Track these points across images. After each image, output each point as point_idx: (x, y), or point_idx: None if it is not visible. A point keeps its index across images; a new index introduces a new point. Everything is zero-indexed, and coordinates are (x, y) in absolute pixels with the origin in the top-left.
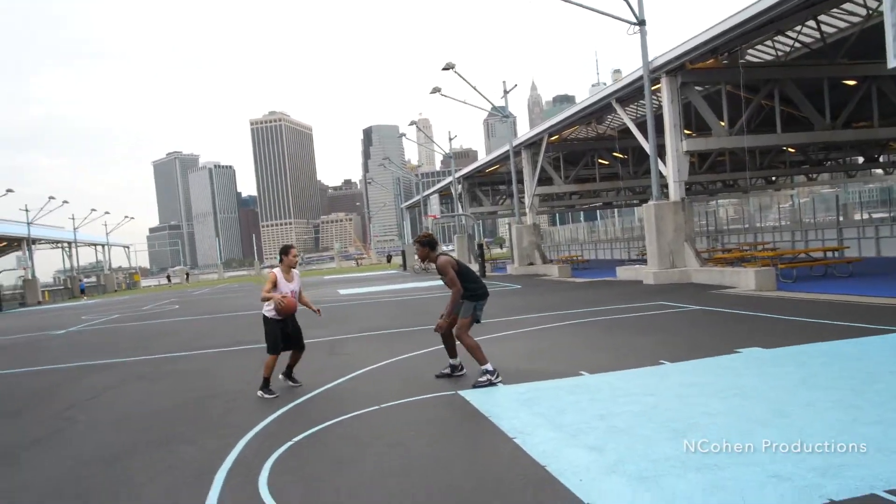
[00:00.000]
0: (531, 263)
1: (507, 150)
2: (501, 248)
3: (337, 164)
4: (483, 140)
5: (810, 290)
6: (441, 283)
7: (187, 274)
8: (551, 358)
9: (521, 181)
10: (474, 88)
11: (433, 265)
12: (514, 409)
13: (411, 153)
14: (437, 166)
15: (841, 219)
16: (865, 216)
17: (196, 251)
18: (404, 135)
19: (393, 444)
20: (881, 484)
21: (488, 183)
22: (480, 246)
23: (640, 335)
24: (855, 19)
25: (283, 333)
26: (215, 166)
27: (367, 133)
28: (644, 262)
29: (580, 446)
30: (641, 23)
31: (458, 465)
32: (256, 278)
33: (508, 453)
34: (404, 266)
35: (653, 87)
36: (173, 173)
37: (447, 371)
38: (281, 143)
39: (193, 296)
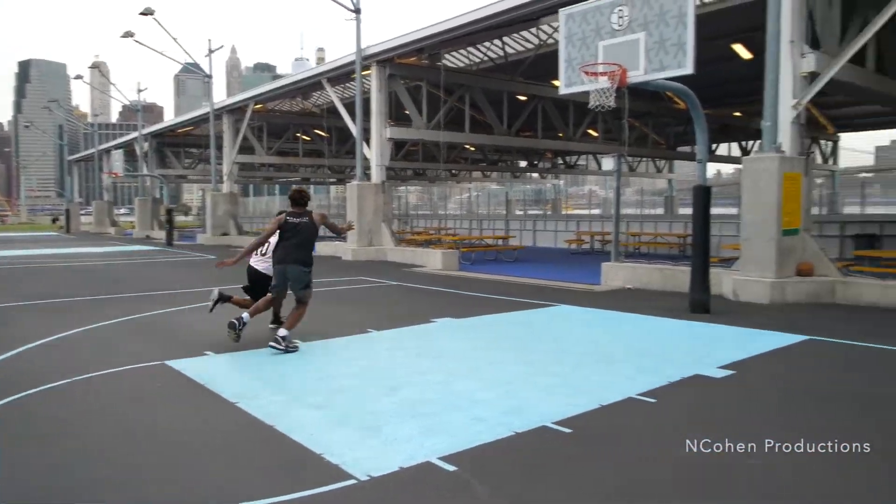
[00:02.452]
0: (225, 234)
1: (206, 113)
2: (186, 215)
3: None
4: (171, 97)
5: (486, 272)
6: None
7: None
8: (262, 328)
9: (219, 146)
10: (175, 40)
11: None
12: (231, 375)
13: (80, 99)
14: (113, 118)
15: (507, 212)
16: (526, 211)
17: None
18: (80, 77)
19: (98, 415)
20: (550, 418)
21: (179, 144)
22: (169, 211)
23: (345, 307)
24: (530, 45)
25: None
26: None
27: (24, 66)
28: (342, 239)
29: (306, 406)
30: (357, 11)
31: (180, 431)
32: None
33: (232, 416)
34: (67, 228)
35: (363, 73)
36: None
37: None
38: None
39: None
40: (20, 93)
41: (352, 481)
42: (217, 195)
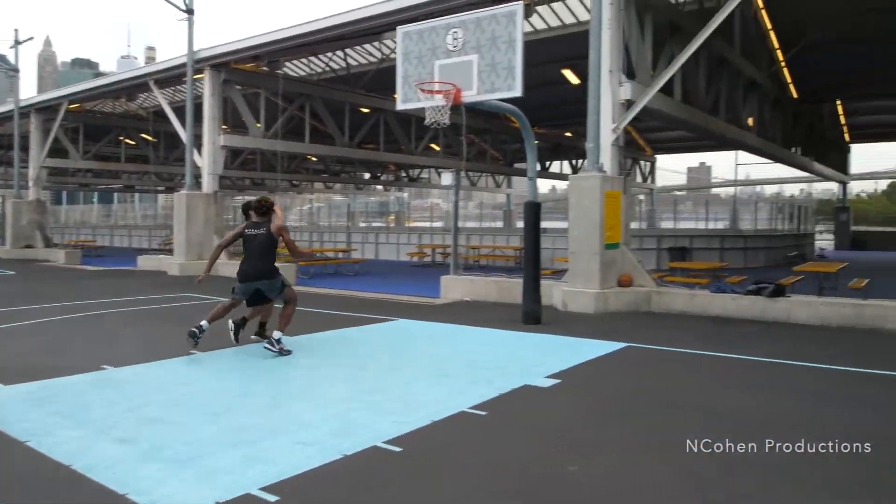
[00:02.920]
0: (29, 246)
1: (11, 110)
2: None
3: None
4: None
5: (325, 286)
6: None
7: None
8: (65, 353)
9: (25, 148)
10: None
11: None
12: (23, 410)
13: None
14: None
15: (350, 224)
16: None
17: None
18: None
19: None
20: (381, 437)
21: None
22: None
23: (169, 325)
24: (373, 59)
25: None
26: None
27: None
28: (169, 252)
29: (110, 440)
30: (190, 11)
31: None
32: None
33: (23, 458)
34: None
35: (195, 77)
36: None
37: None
38: None
39: None
40: None
41: None
42: (20, 203)
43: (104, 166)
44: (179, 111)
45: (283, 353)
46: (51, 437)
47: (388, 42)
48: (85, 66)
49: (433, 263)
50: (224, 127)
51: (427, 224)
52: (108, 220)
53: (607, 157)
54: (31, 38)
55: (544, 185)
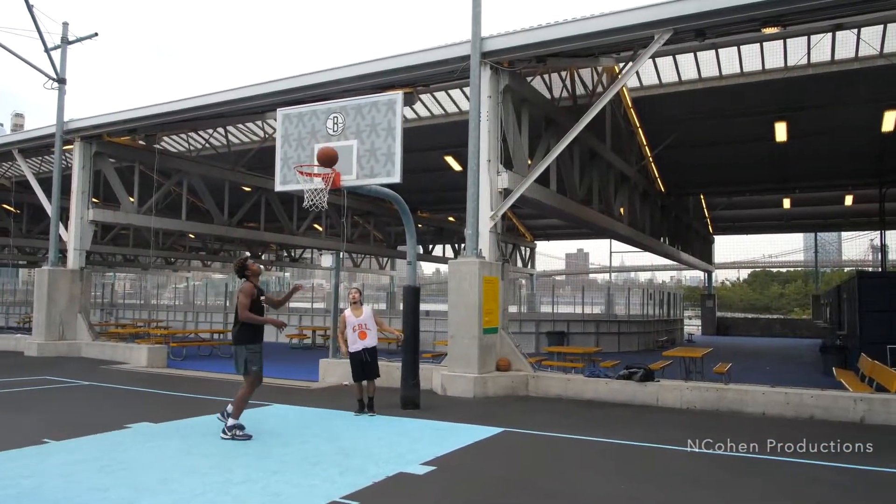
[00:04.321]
0: None
1: None
2: None
3: None
4: None
5: (197, 368)
6: None
7: None
8: None
9: None
10: None
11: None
12: None
13: None
14: None
15: (228, 304)
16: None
17: None
18: None
19: None
20: None
21: None
22: None
23: (19, 413)
24: (255, 137)
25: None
26: None
27: None
28: (28, 331)
29: None
30: (62, 80)
31: None
32: None
33: None
34: None
35: (64, 147)
36: None
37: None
38: None
39: None
40: None
41: None
42: None
43: None
44: (46, 182)
45: (238, 437)
46: None
47: (271, 121)
48: None
49: (313, 345)
50: (95, 200)
51: (308, 305)
52: None
53: (486, 243)
54: None
55: (428, 268)
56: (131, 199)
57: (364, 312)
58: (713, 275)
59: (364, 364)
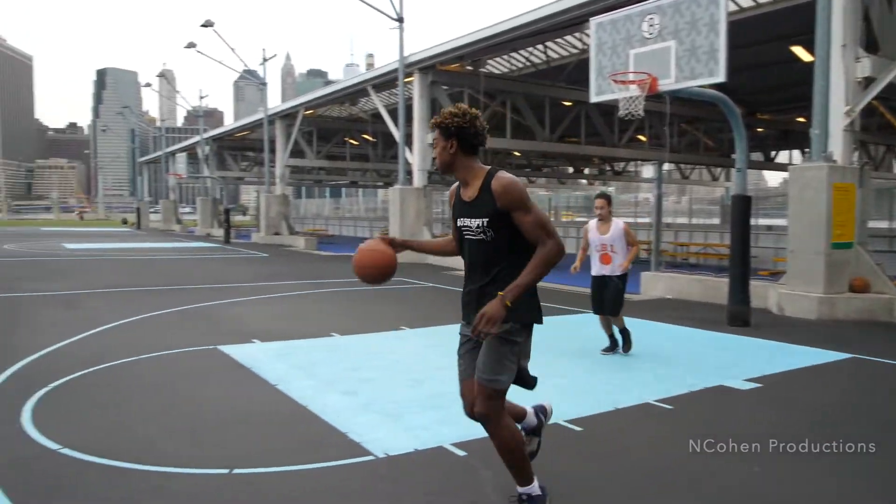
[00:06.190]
0: (277, 233)
1: (262, 118)
2: (244, 215)
3: (61, 105)
4: (231, 102)
5: None
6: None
7: None
8: (304, 321)
9: (272, 150)
10: (233, 50)
11: None
12: (272, 361)
13: (150, 105)
14: (179, 122)
15: (552, 219)
16: (573, 218)
17: None
18: (149, 84)
19: (156, 388)
20: (563, 416)
21: (237, 148)
22: (227, 211)
23: (382, 304)
24: (574, 50)
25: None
26: None
27: (102, 75)
28: None
29: (335, 392)
30: (400, 20)
31: (225, 404)
32: None
33: (272, 396)
34: (138, 225)
35: (406, 79)
36: None
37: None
38: None
39: None
40: (98, 99)
41: (370, 457)
42: (270, 197)
43: (333, 164)
44: (393, 112)
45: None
46: (291, 384)
47: (589, 31)
48: (317, 75)
49: (636, 259)
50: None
51: (632, 220)
52: (337, 213)
53: (837, 144)
54: (274, 56)
55: (773, 178)
56: None
57: (612, 229)
58: None
59: (602, 294)
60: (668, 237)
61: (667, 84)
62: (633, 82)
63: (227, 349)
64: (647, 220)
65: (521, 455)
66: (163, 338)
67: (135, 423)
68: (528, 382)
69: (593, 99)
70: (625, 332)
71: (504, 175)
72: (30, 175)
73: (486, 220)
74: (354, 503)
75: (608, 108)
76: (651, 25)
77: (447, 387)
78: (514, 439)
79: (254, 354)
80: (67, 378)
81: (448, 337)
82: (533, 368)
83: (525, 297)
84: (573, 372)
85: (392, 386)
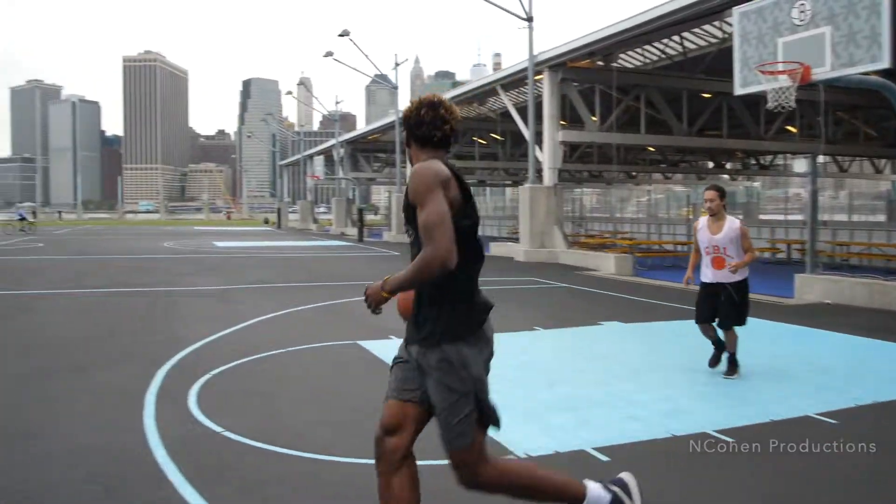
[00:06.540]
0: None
1: (392, 121)
2: (375, 214)
3: (211, 113)
4: (363, 106)
5: (661, 278)
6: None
7: (34, 212)
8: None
9: (402, 151)
10: (366, 57)
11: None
12: None
13: (289, 111)
14: (315, 127)
15: (691, 217)
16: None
17: (50, 188)
18: (290, 93)
19: (303, 379)
20: (712, 425)
21: (369, 150)
22: (360, 210)
23: (516, 305)
24: (713, 40)
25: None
26: (79, 100)
27: (247, 85)
28: (515, 240)
29: None
30: (530, 19)
31: (365, 396)
32: (118, 221)
33: None
34: (279, 224)
35: (535, 77)
36: (32, 103)
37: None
38: (153, 85)
39: (55, 235)
40: (243, 107)
41: (510, 457)
42: (400, 196)
43: (463, 164)
44: (522, 111)
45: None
46: None
47: (730, 19)
48: (445, 77)
49: (788, 260)
50: (562, 123)
51: (781, 217)
52: None
53: None
54: (405, 60)
55: None
56: (593, 119)
57: (726, 228)
58: None
59: (714, 302)
60: (825, 236)
61: (821, 73)
62: (782, 72)
63: (367, 344)
64: (798, 217)
65: (539, 485)
66: (307, 332)
67: (286, 410)
68: (492, 419)
69: (738, 91)
70: (732, 358)
71: (420, 164)
72: (183, 178)
73: (405, 216)
74: (497, 502)
75: (753, 99)
76: (802, 12)
77: (583, 389)
78: (508, 477)
79: (392, 350)
80: (225, 367)
81: (581, 339)
82: (687, 373)
83: (446, 311)
84: (717, 380)
85: (527, 386)
